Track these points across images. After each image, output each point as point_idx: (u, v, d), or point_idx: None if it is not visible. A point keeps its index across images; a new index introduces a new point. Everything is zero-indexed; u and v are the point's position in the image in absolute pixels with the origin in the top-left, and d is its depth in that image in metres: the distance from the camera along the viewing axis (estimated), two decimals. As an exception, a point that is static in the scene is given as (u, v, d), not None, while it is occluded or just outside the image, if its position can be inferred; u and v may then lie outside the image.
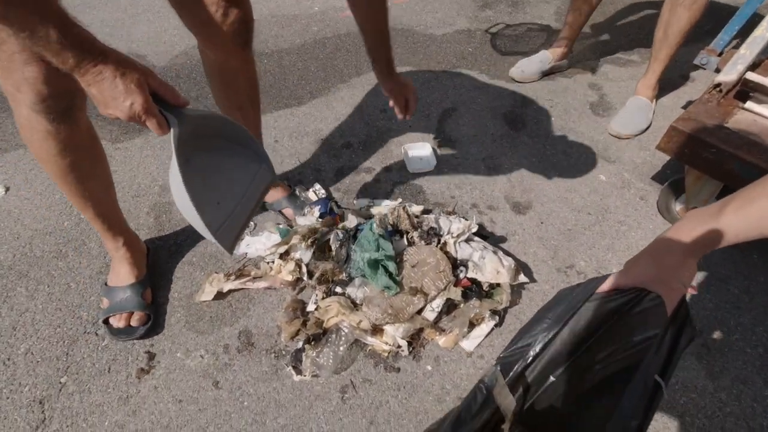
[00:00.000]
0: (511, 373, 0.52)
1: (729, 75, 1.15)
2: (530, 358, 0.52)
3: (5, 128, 1.49)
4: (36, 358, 1.00)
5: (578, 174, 1.45)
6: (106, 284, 1.08)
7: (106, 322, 1.03)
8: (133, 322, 1.02)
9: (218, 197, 0.79)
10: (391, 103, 1.11)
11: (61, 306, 1.09)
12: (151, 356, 1.01)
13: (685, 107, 1.72)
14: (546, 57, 1.79)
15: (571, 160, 1.50)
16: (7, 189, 1.34)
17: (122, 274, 1.07)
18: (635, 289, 0.53)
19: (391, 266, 0.97)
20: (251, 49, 1.00)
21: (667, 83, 1.81)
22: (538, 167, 1.46)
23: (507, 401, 0.52)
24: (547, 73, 1.82)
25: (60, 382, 0.97)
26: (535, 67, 1.78)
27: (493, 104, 1.69)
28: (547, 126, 1.61)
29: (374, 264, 0.99)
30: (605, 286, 0.55)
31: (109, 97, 0.61)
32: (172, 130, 0.66)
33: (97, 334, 1.04)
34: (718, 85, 1.17)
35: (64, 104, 0.78)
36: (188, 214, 0.69)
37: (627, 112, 1.58)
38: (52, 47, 0.55)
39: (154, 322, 1.05)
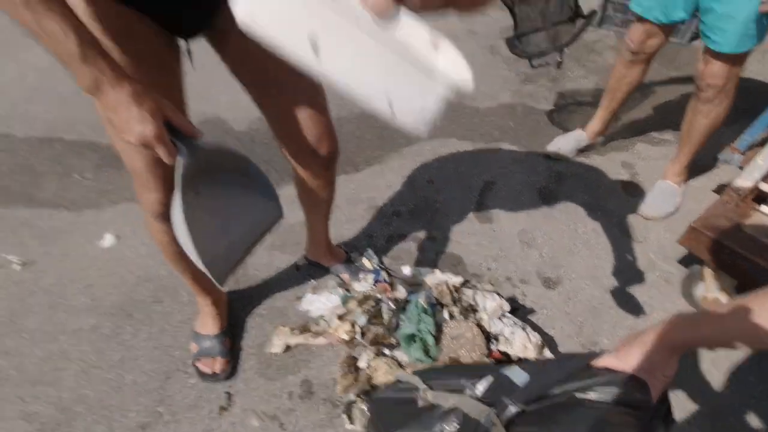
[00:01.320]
0: (505, 417, 0.62)
1: (746, 181, 1.28)
2: (524, 407, 0.62)
3: (117, 182, 1.79)
4: (139, 389, 1.23)
5: (606, 252, 1.59)
6: (194, 331, 1.31)
7: (194, 364, 1.26)
8: (217, 367, 1.24)
9: (219, 228, 0.81)
10: None
11: (158, 345, 1.32)
12: (230, 396, 1.22)
13: (716, 190, 1.82)
14: (581, 136, 1.95)
15: (600, 238, 1.64)
16: (118, 238, 1.61)
17: (209, 324, 1.29)
18: (625, 373, 0.63)
19: (429, 340, 1.15)
20: (335, 169, 1.14)
21: (700, 165, 1.92)
22: (569, 244, 1.61)
23: None
24: (582, 151, 1.97)
25: (158, 411, 1.19)
26: (571, 145, 1.94)
27: (529, 179, 1.86)
28: (580, 203, 1.76)
29: (410, 337, 1.17)
30: (600, 363, 0.66)
31: (124, 121, 0.64)
32: (179, 159, 0.70)
33: (186, 372, 1.27)
34: (737, 188, 1.30)
35: None
36: (184, 243, 0.73)
37: (654, 196, 1.71)
38: (71, 61, 0.59)
39: (232, 367, 1.26)
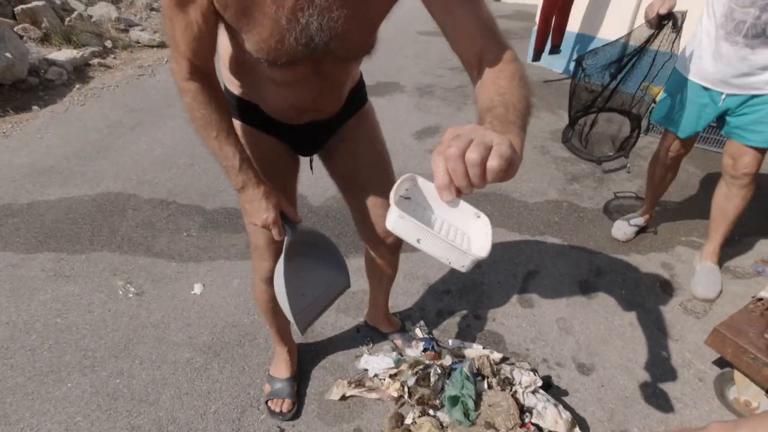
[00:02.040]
0: None
1: (770, 293, 1.41)
2: None
3: (215, 242, 2.17)
4: (220, 418, 1.47)
5: (641, 346, 1.70)
6: (268, 373, 1.56)
7: (266, 403, 1.49)
8: (285, 407, 1.46)
9: (303, 290, 1.06)
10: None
11: (238, 382, 1.57)
12: (293, 434, 1.43)
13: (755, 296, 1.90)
14: (639, 220, 2.21)
15: (636, 332, 1.75)
16: (204, 286, 1.95)
17: (282, 369, 1.54)
18: None
19: (470, 404, 1.32)
20: (398, 254, 1.40)
21: (740, 272, 2.02)
22: (605, 334, 1.74)
23: None
24: (639, 232, 2.24)
25: (233, 439, 1.41)
26: (631, 230, 2.20)
27: (571, 271, 2.03)
28: (617, 297, 1.90)
29: (454, 400, 1.34)
30: None
31: (255, 210, 0.96)
32: (286, 237, 1.00)
33: (258, 409, 1.49)
34: (762, 298, 1.42)
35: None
36: (281, 298, 0.98)
37: (704, 277, 1.89)
38: (232, 171, 0.92)
39: (297, 409, 1.48)
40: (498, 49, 0.70)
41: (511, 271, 2.03)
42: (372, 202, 1.24)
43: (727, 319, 1.40)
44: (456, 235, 0.63)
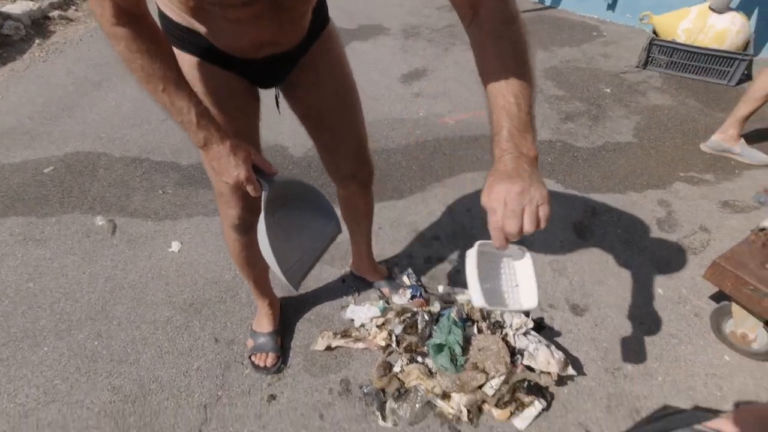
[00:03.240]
0: None
1: (773, 222, 1.33)
2: None
3: (192, 198, 2.06)
4: (203, 374, 1.42)
5: (637, 285, 1.64)
6: (251, 328, 1.50)
7: (249, 357, 1.44)
8: (269, 362, 1.41)
9: (292, 244, 0.98)
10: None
11: (220, 338, 1.52)
12: (278, 387, 1.38)
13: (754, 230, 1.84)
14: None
15: (632, 271, 1.69)
16: (182, 244, 1.86)
17: (264, 323, 1.48)
18: None
19: (457, 350, 1.27)
20: (371, 189, 1.31)
21: (741, 207, 1.94)
22: (599, 275, 1.68)
23: None
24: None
25: (217, 395, 1.37)
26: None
27: (565, 213, 1.95)
28: (612, 238, 1.83)
29: (439, 347, 1.29)
30: (712, 424, 0.72)
31: (224, 168, 0.85)
32: (263, 192, 0.90)
33: (242, 364, 1.45)
34: (764, 228, 1.35)
35: (248, 224, 1.15)
36: (267, 256, 0.90)
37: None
38: (190, 127, 0.79)
39: (282, 362, 1.43)
40: (497, 2, 0.67)
41: (502, 215, 1.94)
42: (338, 136, 1.15)
43: (726, 251, 1.34)
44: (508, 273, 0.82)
